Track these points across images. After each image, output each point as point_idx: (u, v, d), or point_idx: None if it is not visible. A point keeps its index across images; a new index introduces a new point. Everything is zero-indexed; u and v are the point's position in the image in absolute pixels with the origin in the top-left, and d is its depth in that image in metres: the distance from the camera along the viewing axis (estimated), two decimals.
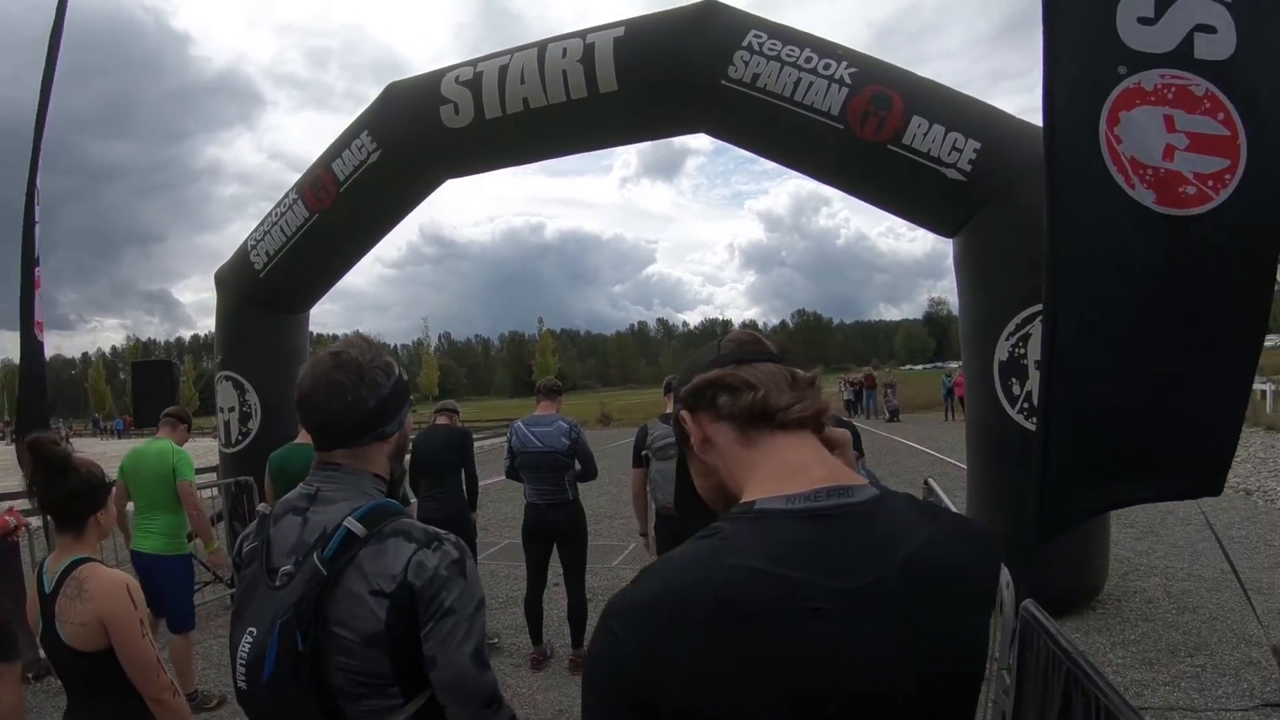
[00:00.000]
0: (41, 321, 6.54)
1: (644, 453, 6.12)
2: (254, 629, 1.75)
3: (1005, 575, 4.13)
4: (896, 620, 1.12)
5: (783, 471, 1.24)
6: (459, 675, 1.76)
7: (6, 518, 5.31)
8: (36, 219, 6.42)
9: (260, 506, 1.99)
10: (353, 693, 1.72)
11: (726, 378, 1.31)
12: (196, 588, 8.47)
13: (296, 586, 1.72)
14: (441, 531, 1.84)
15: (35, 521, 6.91)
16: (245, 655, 1.74)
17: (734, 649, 1.07)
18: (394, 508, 1.86)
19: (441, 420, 7.26)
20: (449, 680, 1.75)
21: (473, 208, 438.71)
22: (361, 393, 1.86)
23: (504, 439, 6.78)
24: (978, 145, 6.91)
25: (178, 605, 6.05)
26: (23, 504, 5.99)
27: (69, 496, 2.83)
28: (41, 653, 6.56)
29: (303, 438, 7.23)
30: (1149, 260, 3.24)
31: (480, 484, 7.35)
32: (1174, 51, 3.23)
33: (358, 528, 1.76)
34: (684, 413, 1.37)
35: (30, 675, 6.48)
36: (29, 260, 6.42)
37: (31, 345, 6.45)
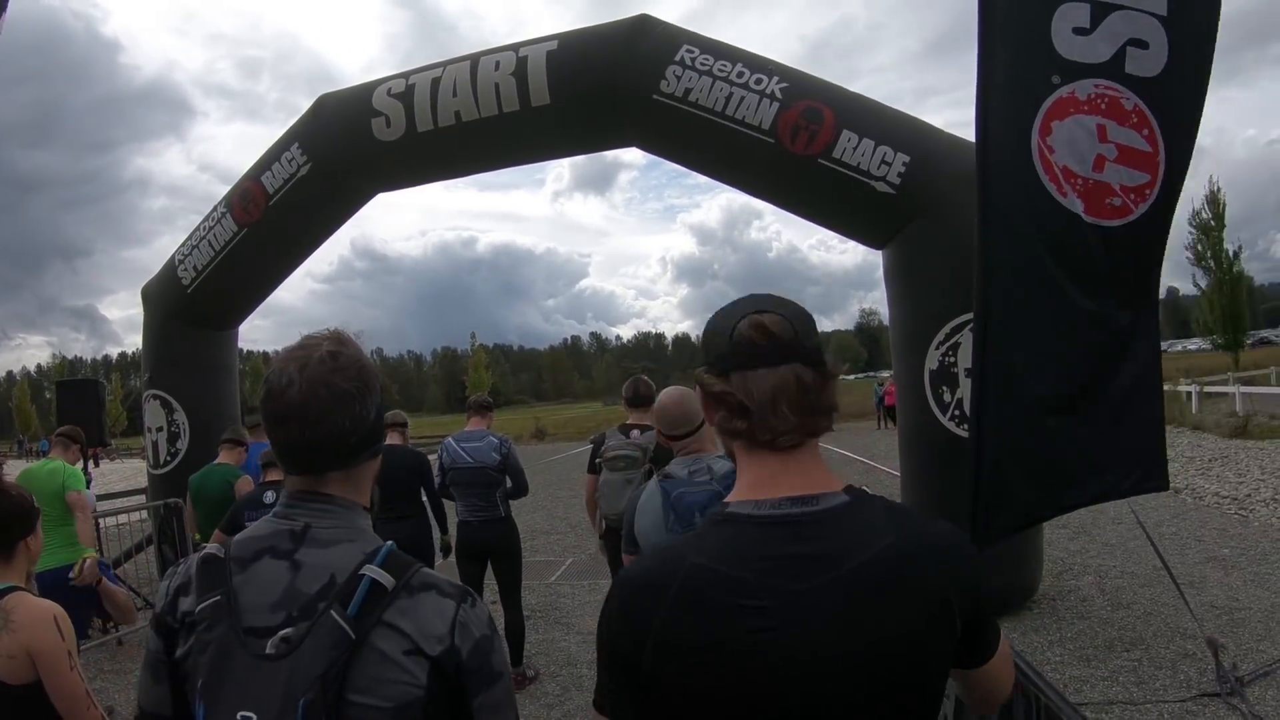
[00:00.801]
0: None
1: (596, 460, 6.12)
2: (250, 714, 1.38)
3: None
4: (839, 622, 1.27)
5: (759, 481, 1.41)
6: None
7: None
8: None
9: (210, 547, 1.55)
10: None
11: (726, 396, 1.42)
12: None
13: (313, 654, 1.38)
14: (466, 586, 1.56)
15: None
16: None
17: (691, 631, 1.28)
18: (404, 553, 1.55)
19: (394, 439, 7.15)
20: None
21: (404, 221, 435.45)
22: (367, 401, 1.54)
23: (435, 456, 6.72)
24: (907, 159, 7.02)
25: (83, 611, 5.94)
26: None
27: (1, 521, 2.73)
28: None
29: (223, 458, 7.11)
30: (1077, 267, 3.30)
31: None
32: (1108, 63, 3.29)
33: (385, 578, 1.44)
34: (699, 387, 1.51)
35: None
36: None
37: None
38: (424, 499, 6.81)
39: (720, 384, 1.43)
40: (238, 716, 1.39)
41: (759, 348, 1.40)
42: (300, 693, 1.35)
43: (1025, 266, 3.29)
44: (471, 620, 1.49)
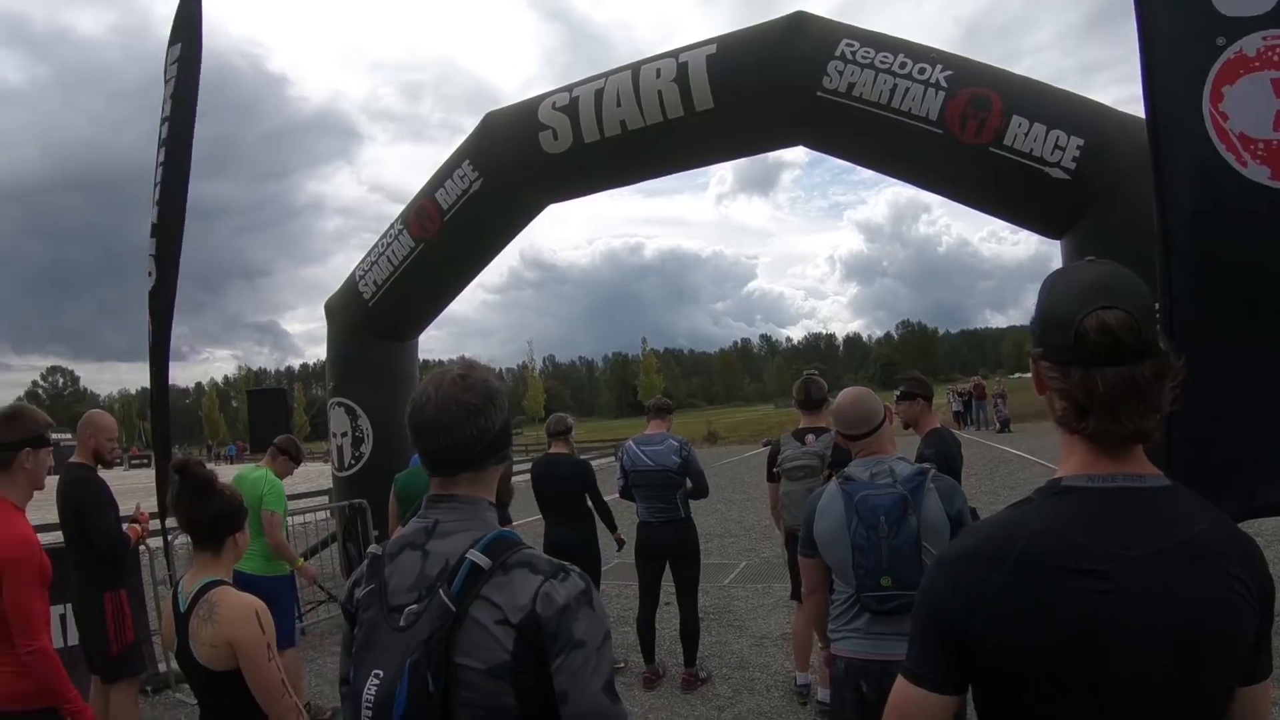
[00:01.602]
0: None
1: (775, 469, 6.07)
2: (379, 671, 1.69)
3: None
4: (1167, 589, 1.38)
5: (1092, 458, 1.50)
6: (592, 709, 1.69)
7: (135, 525, 5.54)
8: (150, 251, 6.72)
9: (371, 548, 1.94)
10: None
11: (1073, 391, 1.48)
12: (310, 607, 8.78)
13: (424, 624, 1.66)
14: (566, 563, 1.79)
15: (155, 542, 7.19)
16: (372, 698, 1.68)
17: (1027, 594, 1.40)
18: (514, 538, 1.82)
19: (559, 448, 7.27)
20: (581, 714, 1.69)
21: (571, 231, 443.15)
22: (491, 415, 1.83)
23: (612, 459, 6.82)
24: (1080, 142, 6.74)
25: (278, 624, 6.24)
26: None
27: (213, 517, 2.93)
28: (161, 667, 6.87)
29: None
30: (1272, 244, 3.06)
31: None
32: (1274, 11, 3.04)
33: (482, 560, 1.71)
34: (1032, 361, 1.59)
35: (149, 688, 6.77)
36: (147, 295, 6.75)
37: (159, 374, 6.76)
38: (589, 504, 6.92)
39: (1059, 378, 1.50)
40: (371, 673, 1.70)
41: (1103, 349, 1.43)
42: (410, 654, 1.65)
43: (1208, 251, 3.09)
44: (556, 591, 1.71)
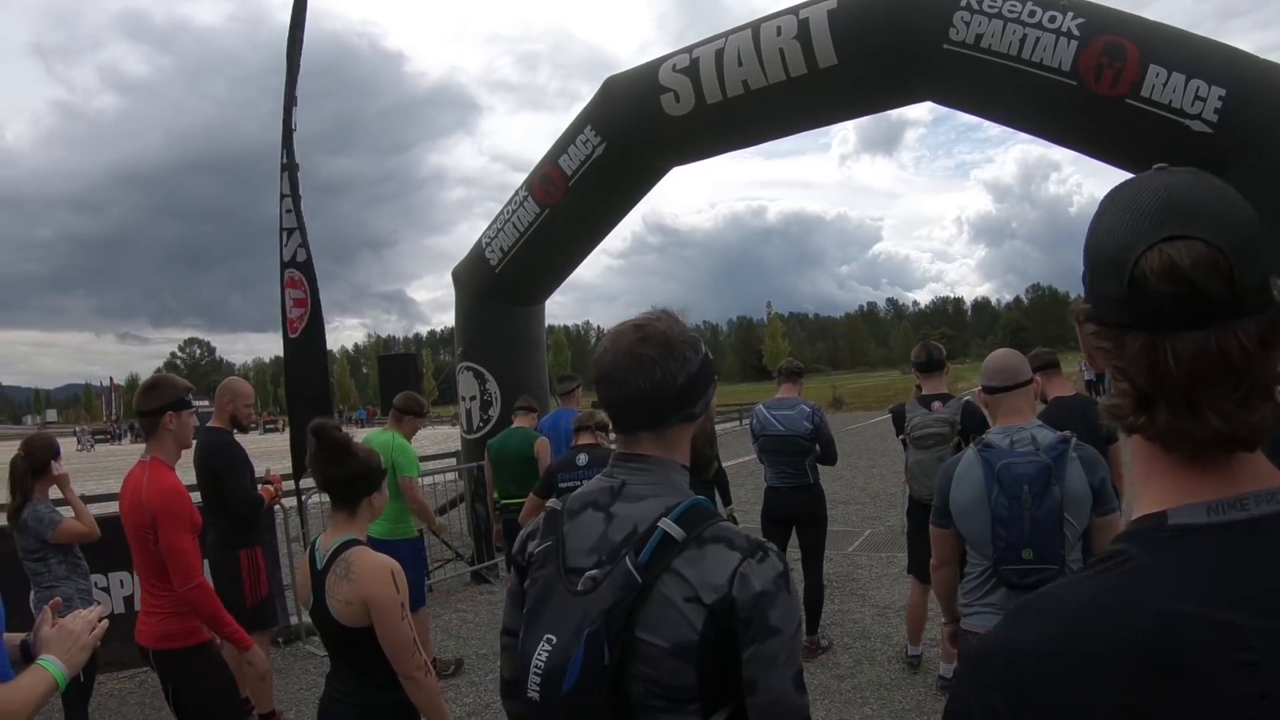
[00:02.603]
0: (292, 319, 7.24)
1: (901, 437, 5.96)
2: (552, 636, 1.58)
3: None
4: None
5: (1184, 475, 0.92)
6: (778, 700, 1.58)
7: (269, 487, 5.75)
8: (285, 225, 7.10)
9: (551, 502, 1.81)
10: (650, 705, 1.56)
11: (1130, 368, 0.90)
12: (436, 565, 9.05)
13: (605, 593, 1.55)
14: (764, 541, 1.63)
15: (290, 502, 7.50)
16: (543, 664, 1.57)
17: (1171, 716, 0.80)
18: (709, 507, 1.67)
19: None
20: (767, 705, 1.57)
21: (693, 195, 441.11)
22: (671, 368, 1.67)
23: (736, 424, 6.80)
24: (1222, 93, 6.47)
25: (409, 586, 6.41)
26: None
27: (349, 478, 2.98)
28: (293, 620, 7.15)
29: (519, 422, 7.51)
30: None
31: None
32: None
33: (676, 530, 1.57)
34: (1088, 325, 0.97)
35: (280, 640, 7.09)
36: (282, 267, 7.17)
37: (290, 343, 7.18)
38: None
39: (1112, 350, 0.92)
40: (544, 638, 1.59)
41: (1171, 303, 0.85)
42: (588, 624, 1.53)
43: None
44: (754, 573, 1.56)
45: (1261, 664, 0.79)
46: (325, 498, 3.11)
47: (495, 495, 7.43)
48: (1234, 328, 0.84)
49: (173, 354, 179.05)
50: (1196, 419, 0.86)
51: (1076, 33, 6.93)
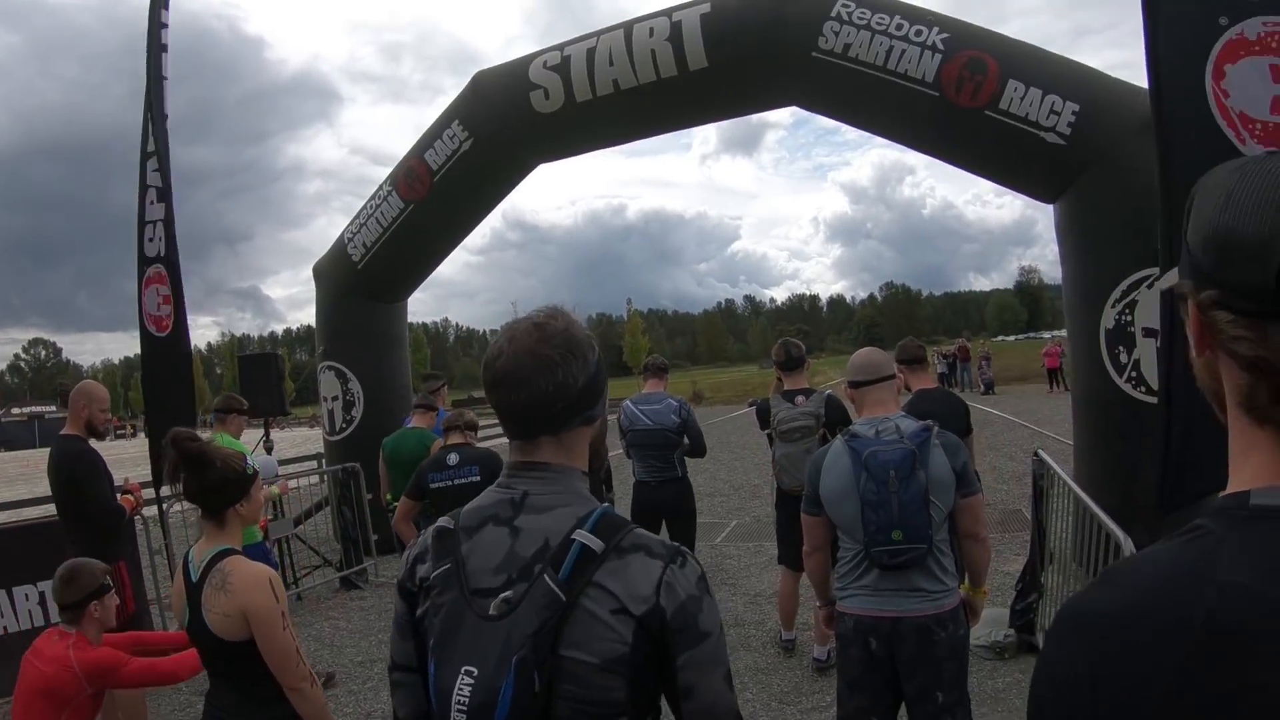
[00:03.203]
0: (159, 317, 6.78)
1: (768, 431, 6.04)
2: (472, 668, 1.49)
3: (1129, 545, 4.11)
4: None
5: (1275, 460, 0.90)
6: (714, 702, 1.57)
7: (129, 496, 5.49)
8: (147, 219, 6.70)
9: (442, 520, 1.70)
10: None
11: (1262, 364, 0.85)
12: (304, 572, 8.82)
13: (527, 615, 1.48)
14: (679, 545, 1.61)
15: (150, 512, 7.18)
16: (466, 700, 1.49)
17: (1225, 686, 0.79)
18: (617, 514, 1.64)
19: None
20: (704, 708, 1.57)
21: (554, 192, 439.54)
22: (573, 369, 1.61)
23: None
24: (1076, 107, 6.76)
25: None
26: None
27: (208, 490, 2.87)
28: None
29: (416, 421, 7.39)
30: None
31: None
32: None
33: (594, 541, 1.52)
34: (1192, 306, 0.93)
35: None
36: (142, 262, 6.75)
37: (155, 343, 6.75)
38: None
39: (1249, 338, 0.86)
40: (462, 670, 1.50)
41: None
42: (514, 650, 1.45)
43: None
44: (678, 580, 1.53)
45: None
46: (186, 506, 2.99)
47: (388, 496, 7.26)
48: None
49: (16, 356, 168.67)
50: None
51: (941, 47, 7.15)
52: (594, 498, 1.66)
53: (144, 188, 6.72)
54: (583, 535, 1.53)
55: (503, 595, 1.51)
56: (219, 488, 2.89)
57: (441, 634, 1.57)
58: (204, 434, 3.70)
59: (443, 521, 1.69)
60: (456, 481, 5.33)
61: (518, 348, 1.61)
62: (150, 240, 6.69)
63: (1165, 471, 3.29)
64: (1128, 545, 4.18)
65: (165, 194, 6.60)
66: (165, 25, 6.75)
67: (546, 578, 1.50)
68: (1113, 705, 0.85)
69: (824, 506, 3.50)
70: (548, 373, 1.59)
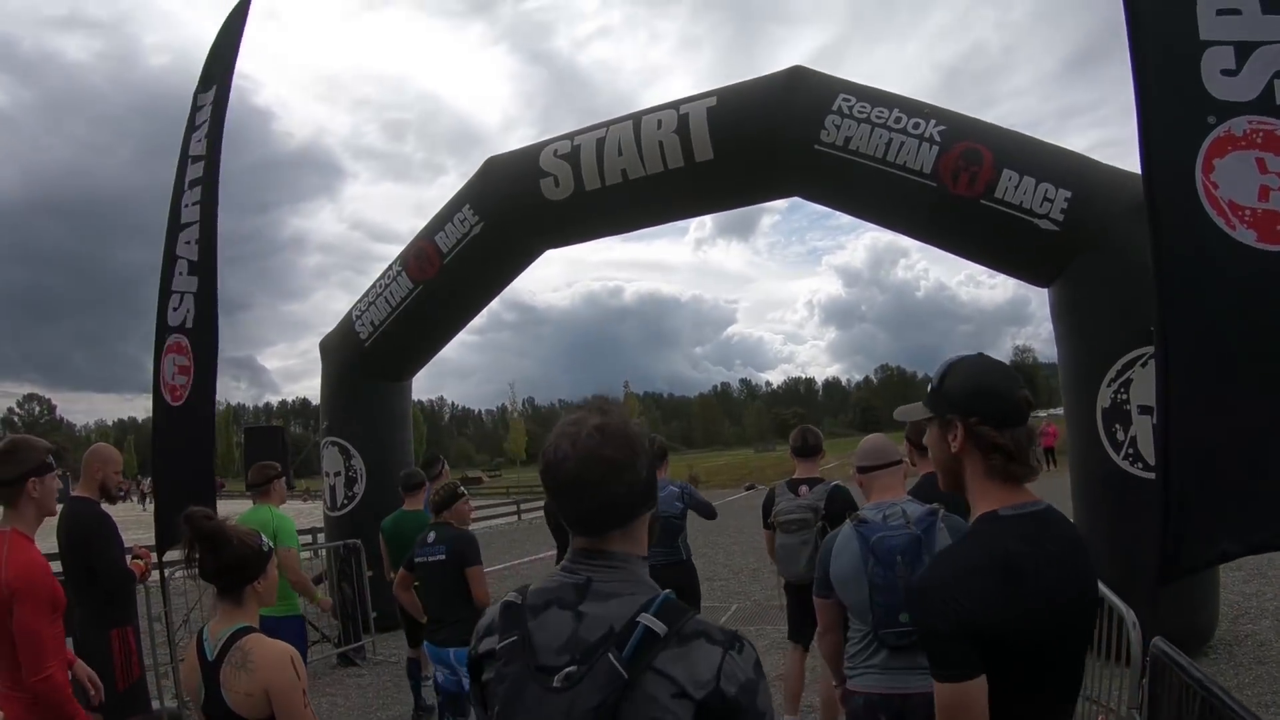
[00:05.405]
0: (174, 386, 6.79)
1: (770, 520, 6.02)
2: None
3: (1131, 617, 4.22)
4: (1066, 566, 1.99)
5: (1005, 494, 2.06)
6: None
7: (139, 562, 5.50)
8: (174, 289, 6.82)
9: (510, 595, 1.76)
10: None
11: (1003, 445, 2.01)
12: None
13: (589, 690, 1.53)
14: (736, 631, 1.67)
15: (152, 577, 7.20)
16: None
17: (1008, 588, 1.91)
18: (678, 600, 1.68)
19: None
20: None
21: (551, 273, 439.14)
22: (638, 467, 1.66)
23: None
24: (1068, 194, 7.03)
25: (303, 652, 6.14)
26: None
27: (224, 569, 2.85)
28: (155, 704, 6.70)
29: (410, 504, 7.44)
30: (1258, 298, 3.41)
31: None
32: (1258, 99, 3.45)
33: (658, 626, 1.57)
34: (956, 422, 2.08)
35: None
36: (163, 330, 6.83)
37: (169, 411, 6.77)
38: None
39: (999, 436, 2.01)
40: None
41: (1024, 414, 2.06)
42: None
43: (1200, 302, 3.43)
44: (738, 665, 1.59)
45: (1026, 568, 1.92)
46: (189, 572, 3.00)
47: (391, 576, 7.33)
48: (1025, 426, 2.06)
49: (10, 410, 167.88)
50: (1022, 464, 2.03)
51: (938, 138, 7.44)
52: (656, 585, 1.71)
53: (172, 257, 6.82)
54: (646, 619, 1.58)
55: (566, 670, 1.56)
56: (236, 566, 2.88)
57: (505, 703, 1.62)
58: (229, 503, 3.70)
59: (510, 596, 1.75)
60: (431, 559, 5.54)
61: (583, 451, 1.63)
62: (175, 310, 6.77)
63: (1164, 543, 3.43)
64: (1130, 617, 4.28)
65: (201, 269, 6.70)
66: (201, 107, 6.98)
67: (610, 656, 1.54)
68: (973, 605, 1.89)
69: (834, 589, 3.63)
70: (616, 475, 1.63)
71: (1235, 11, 3.47)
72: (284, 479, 6.86)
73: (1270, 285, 3.40)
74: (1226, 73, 3.46)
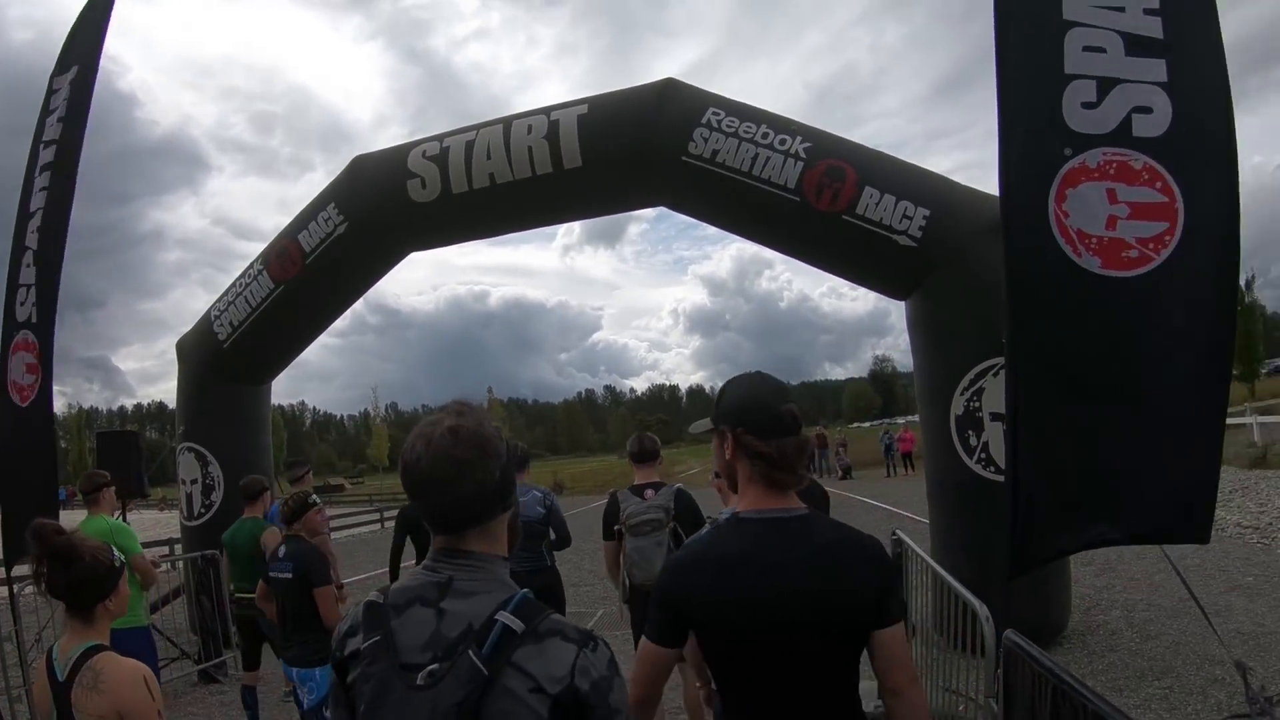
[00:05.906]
0: (23, 386, 6.49)
1: (616, 527, 5.98)
2: None
3: (983, 611, 4.39)
4: (802, 576, 2.11)
5: (757, 499, 2.23)
6: None
7: None
8: (21, 282, 6.49)
9: (372, 594, 1.81)
10: None
11: (767, 454, 2.19)
12: (164, 663, 8.38)
13: (452, 687, 1.58)
14: (589, 630, 1.75)
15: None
16: None
17: (724, 583, 2.13)
18: (535, 599, 1.75)
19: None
20: None
21: (416, 277, 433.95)
22: (490, 466, 1.73)
23: None
24: (927, 213, 7.28)
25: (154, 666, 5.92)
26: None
27: (75, 585, 2.75)
28: None
29: (250, 512, 7.20)
30: (1099, 320, 3.64)
31: None
32: (1115, 131, 3.67)
33: (515, 623, 1.64)
34: (727, 432, 2.28)
35: None
36: (9, 325, 6.52)
37: (15, 413, 6.45)
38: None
39: (763, 445, 2.19)
40: None
41: (790, 426, 2.21)
42: (437, 717, 1.58)
43: (1047, 323, 3.68)
44: (592, 663, 1.68)
45: (740, 566, 2.15)
46: (39, 589, 2.86)
47: (231, 587, 7.10)
48: (799, 438, 2.22)
49: None
50: (795, 471, 2.21)
51: (803, 155, 7.62)
52: (515, 584, 1.77)
53: (21, 248, 6.51)
54: (504, 616, 1.64)
55: (429, 669, 1.62)
56: (88, 582, 2.77)
57: (371, 701, 1.66)
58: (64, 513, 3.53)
59: (372, 596, 1.79)
60: (280, 575, 5.29)
61: (435, 452, 1.70)
62: (22, 305, 6.46)
63: (1013, 541, 3.66)
64: (983, 612, 4.42)
65: (45, 259, 6.38)
66: (56, 90, 6.67)
67: (471, 653, 1.60)
68: (687, 594, 2.17)
69: None
70: (467, 474, 1.70)
71: (1100, 49, 3.69)
72: (113, 488, 6.57)
73: (1111, 308, 3.64)
74: (1087, 105, 3.67)
